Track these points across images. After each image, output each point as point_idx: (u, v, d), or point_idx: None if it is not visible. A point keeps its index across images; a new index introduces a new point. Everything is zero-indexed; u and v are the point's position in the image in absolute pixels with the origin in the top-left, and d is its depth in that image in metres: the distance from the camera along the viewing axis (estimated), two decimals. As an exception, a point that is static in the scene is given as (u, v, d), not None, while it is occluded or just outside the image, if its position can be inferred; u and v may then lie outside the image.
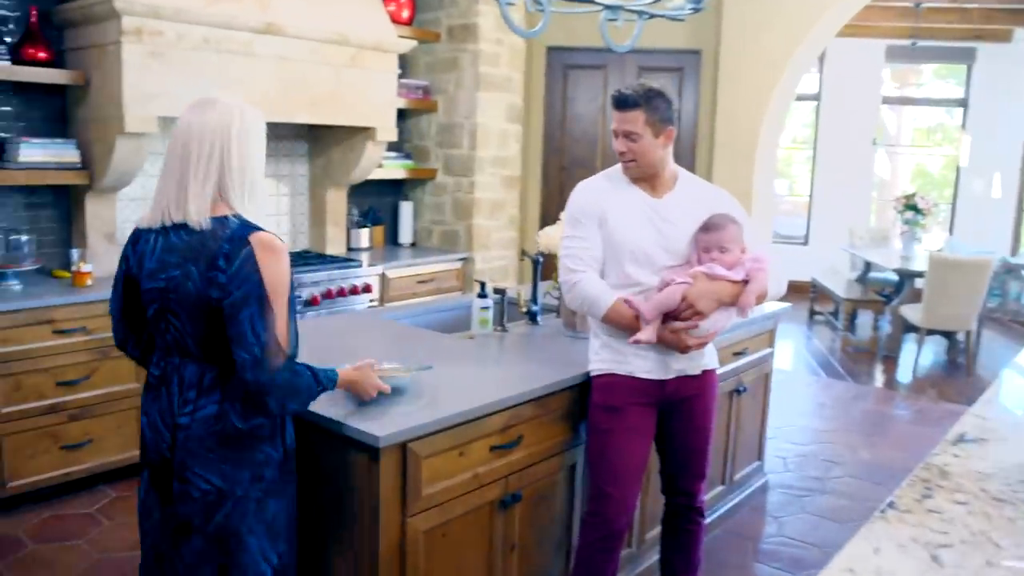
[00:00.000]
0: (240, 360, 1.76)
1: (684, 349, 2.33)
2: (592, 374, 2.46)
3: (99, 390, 3.56)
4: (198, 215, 1.79)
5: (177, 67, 3.62)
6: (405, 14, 5.06)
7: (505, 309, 3.04)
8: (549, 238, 2.99)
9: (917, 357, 6.53)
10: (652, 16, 3.11)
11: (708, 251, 2.33)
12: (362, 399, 2.09)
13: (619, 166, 2.44)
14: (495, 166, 5.39)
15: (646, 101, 2.29)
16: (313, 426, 2.08)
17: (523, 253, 3.33)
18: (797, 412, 5.29)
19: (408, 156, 5.37)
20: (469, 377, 2.42)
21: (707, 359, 2.50)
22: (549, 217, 6.43)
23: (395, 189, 5.50)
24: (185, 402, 1.85)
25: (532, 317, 3.15)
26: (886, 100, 9.95)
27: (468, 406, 2.14)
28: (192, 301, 1.79)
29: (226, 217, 1.81)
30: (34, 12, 3.60)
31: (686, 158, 6.31)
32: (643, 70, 6.41)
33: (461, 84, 5.23)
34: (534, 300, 3.17)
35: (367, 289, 4.52)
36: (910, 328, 6.91)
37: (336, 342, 2.67)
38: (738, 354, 3.43)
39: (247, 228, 1.79)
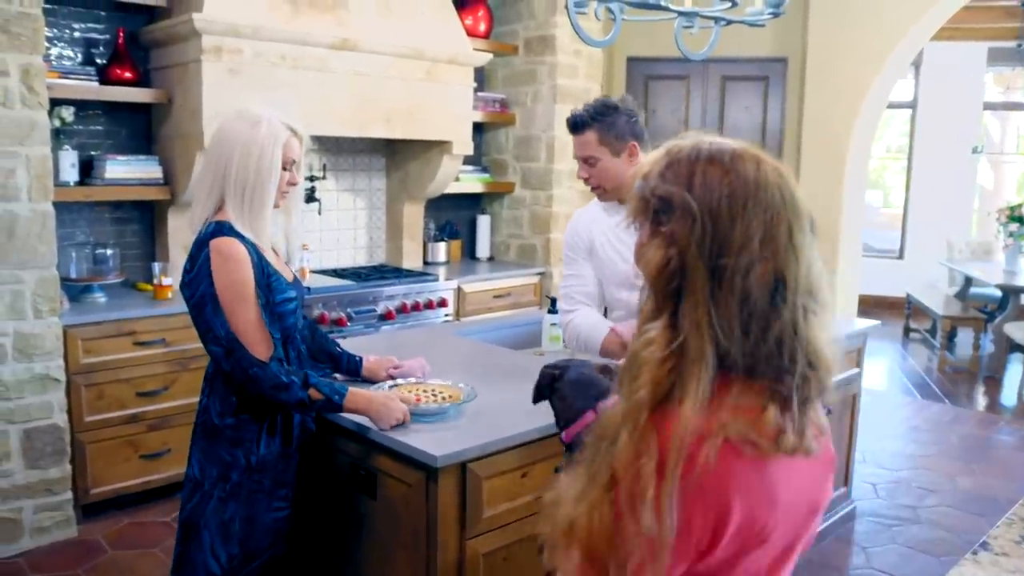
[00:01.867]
0: (213, 353, 1.94)
1: None
2: None
3: (177, 401, 3.63)
4: (197, 220, 1.97)
5: (255, 84, 3.68)
6: (482, 27, 5.05)
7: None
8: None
9: (1023, 379, 6.13)
10: (729, 23, 2.99)
11: None
12: (378, 426, 1.99)
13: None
14: (573, 179, 5.31)
15: (596, 119, 2.16)
16: (366, 441, 2.03)
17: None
18: (889, 435, 5.02)
19: (485, 170, 5.35)
20: (524, 396, 2.33)
21: None
22: (628, 230, 6.32)
23: (472, 203, 5.49)
24: (203, 391, 2.05)
25: (604, 333, 3.06)
26: (988, 106, 9.46)
27: (532, 425, 2.06)
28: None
29: (214, 222, 1.94)
30: (121, 33, 3.72)
31: (771, 169, 6.11)
32: (727, 79, 6.27)
33: (538, 96, 5.18)
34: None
35: (443, 304, 4.50)
36: (1015, 347, 6.51)
37: (400, 355, 2.63)
38: (823, 374, 3.25)
39: (215, 233, 1.91)
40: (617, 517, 0.93)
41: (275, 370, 1.92)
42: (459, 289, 4.63)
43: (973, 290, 7.70)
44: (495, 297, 4.87)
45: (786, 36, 5.88)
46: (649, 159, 1.07)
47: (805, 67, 5.79)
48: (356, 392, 2.01)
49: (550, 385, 1.50)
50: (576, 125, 2.21)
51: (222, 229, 1.93)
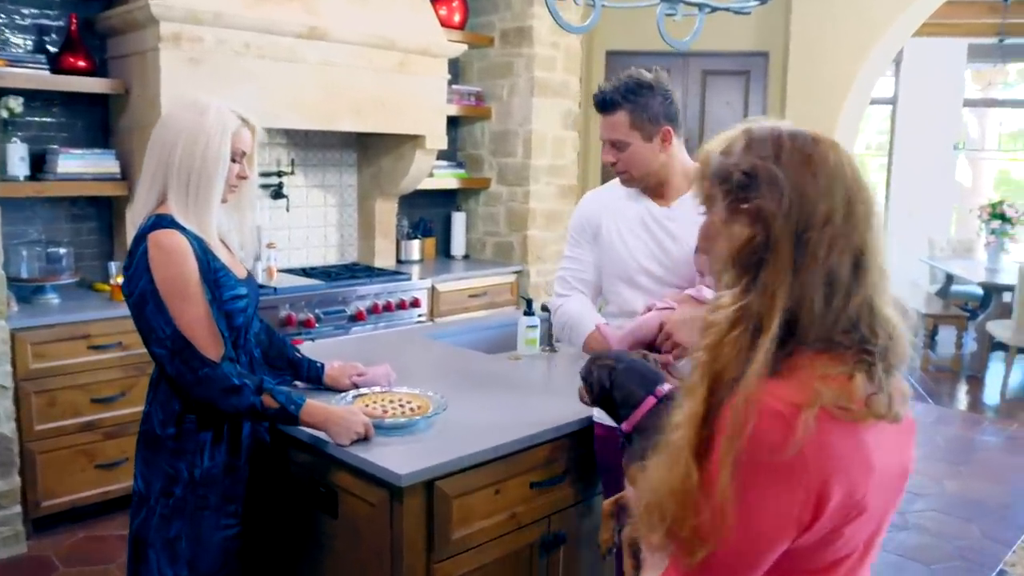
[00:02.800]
0: (157, 356, 1.78)
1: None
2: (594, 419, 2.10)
3: (136, 407, 3.40)
4: (138, 214, 1.83)
5: (217, 74, 3.50)
6: (457, 18, 4.89)
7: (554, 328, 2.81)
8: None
9: (1006, 378, 6.05)
10: (714, 10, 2.85)
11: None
12: (336, 441, 1.82)
13: None
14: (551, 175, 5.17)
15: (628, 98, 1.91)
16: (325, 455, 1.88)
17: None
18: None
19: (460, 165, 5.19)
20: (510, 404, 2.19)
21: None
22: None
23: (447, 199, 5.33)
24: (147, 397, 1.90)
25: (584, 336, 2.91)
26: (968, 103, 9.42)
27: (505, 439, 1.91)
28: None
29: (155, 215, 1.80)
30: (74, 20, 3.53)
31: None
32: (707, 74, 6.15)
33: (515, 90, 5.03)
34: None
35: (416, 304, 4.34)
36: (998, 346, 6.45)
37: (367, 361, 2.47)
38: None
39: (154, 226, 1.77)
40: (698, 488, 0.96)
41: (227, 371, 1.77)
42: (433, 288, 4.47)
43: (955, 288, 7.64)
44: (471, 297, 4.72)
45: (767, 30, 5.77)
46: (721, 139, 1.08)
47: (788, 61, 5.68)
48: (314, 405, 1.85)
49: (609, 377, 1.52)
50: (605, 104, 1.97)
51: (162, 222, 1.78)
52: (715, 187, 1.05)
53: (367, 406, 1.96)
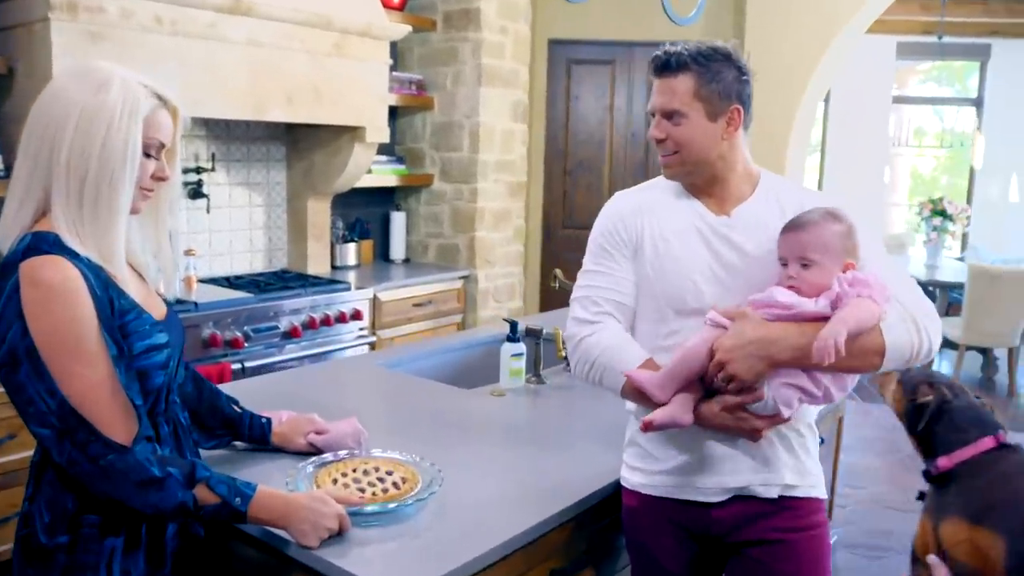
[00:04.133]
0: (38, 436, 1.28)
1: (754, 435, 1.49)
2: (621, 483, 1.70)
3: (28, 451, 2.87)
4: (9, 231, 1.32)
5: (124, 52, 2.94)
6: (396, -2, 4.41)
7: (541, 354, 2.39)
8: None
9: (956, 375, 5.94)
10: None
11: (787, 265, 1.50)
12: (301, 543, 1.36)
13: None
14: (499, 171, 4.75)
15: (699, 61, 1.53)
16: (282, 556, 1.41)
17: (555, 278, 2.69)
18: (843, 446, 4.68)
19: (400, 160, 4.71)
20: (514, 463, 1.76)
21: (795, 474, 1.58)
22: (551, 228, 5.81)
23: (385, 198, 4.84)
24: (25, 488, 1.39)
25: (571, 362, 2.51)
26: (898, 99, 9.42)
27: (522, 522, 1.47)
28: None
29: (31, 234, 1.29)
30: (-56, -16, 2.92)
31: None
32: (654, 65, 5.82)
33: (460, 78, 4.58)
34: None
35: (356, 316, 3.86)
36: (942, 344, 6.36)
37: (310, 402, 2.01)
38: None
39: (30, 251, 1.26)
40: None
41: (141, 457, 1.27)
42: (375, 298, 3.99)
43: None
44: (415, 306, 4.26)
45: (718, 22, 5.47)
46: None
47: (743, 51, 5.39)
48: (268, 494, 1.37)
49: (940, 408, 1.41)
50: (668, 64, 1.55)
51: (41, 244, 1.27)
52: None
53: (335, 482, 1.50)
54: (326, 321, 3.69)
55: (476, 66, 4.51)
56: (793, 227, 1.50)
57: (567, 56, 5.81)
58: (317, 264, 4.23)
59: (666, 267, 1.59)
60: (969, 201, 9.16)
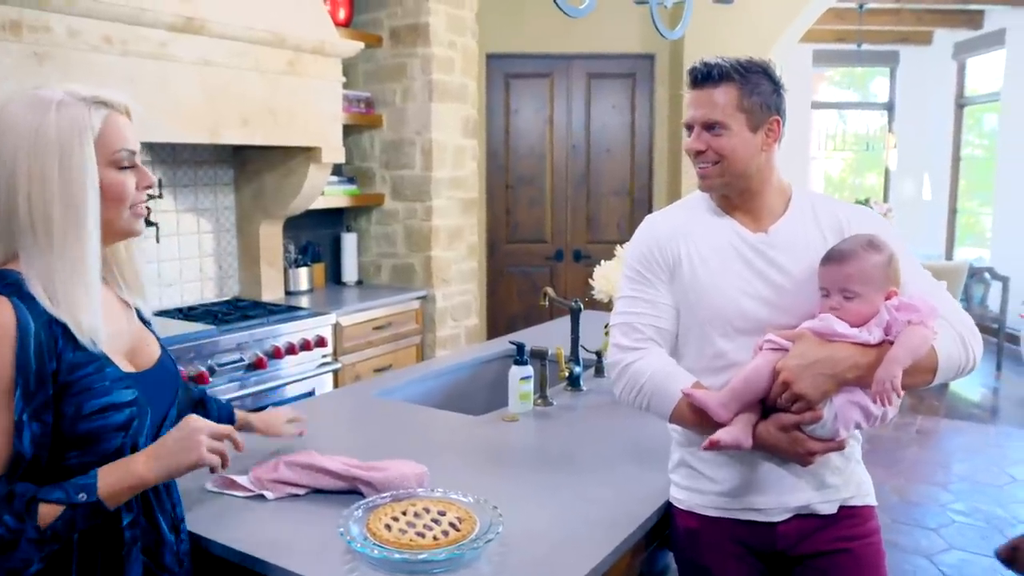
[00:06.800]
0: None
1: (806, 459, 1.47)
2: (672, 504, 1.67)
3: None
4: None
5: (71, 73, 2.75)
6: (342, 14, 4.30)
7: (547, 375, 2.32)
8: (606, 280, 2.30)
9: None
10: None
11: (828, 295, 1.49)
12: (191, 462, 1.23)
13: (699, 193, 1.66)
14: (452, 188, 4.66)
15: (741, 75, 1.53)
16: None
17: (545, 295, 2.62)
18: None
19: (351, 180, 4.57)
20: (557, 492, 1.68)
21: (852, 486, 1.59)
22: (495, 244, 5.77)
23: (334, 219, 4.70)
24: None
25: (574, 382, 2.44)
26: (815, 105, 9.74)
27: (591, 556, 1.39)
28: None
29: None
30: None
31: (642, 178, 5.76)
32: (592, 77, 5.86)
33: (410, 94, 4.48)
34: (576, 360, 2.46)
35: (321, 343, 3.71)
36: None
37: (335, 443, 1.89)
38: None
39: None
40: None
41: None
42: (337, 324, 3.85)
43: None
44: (375, 329, 4.13)
45: (654, 32, 5.54)
46: None
47: (682, 63, 5.46)
48: (109, 469, 1.20)
49: None
50: (709, 75, 1.53)
51: None
52: None
53: (389, 528, 1.40)
54: (291, 350, 3.53)
55: (426, 82, 4.42)
56: (834, 259, 1.49)
57: (504, 70, 5.79)
58: (271, 290, 4.06)
59: (707, 289, 1.57)
60: (886, 200, 9.54)
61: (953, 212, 8.99)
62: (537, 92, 5.87)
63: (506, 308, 5.76)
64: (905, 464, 4.48)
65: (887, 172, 9.61)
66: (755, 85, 1.54)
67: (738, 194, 1.60)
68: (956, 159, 8.89)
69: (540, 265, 5.80)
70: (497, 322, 5.70)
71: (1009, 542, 0.90)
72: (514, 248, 5.84)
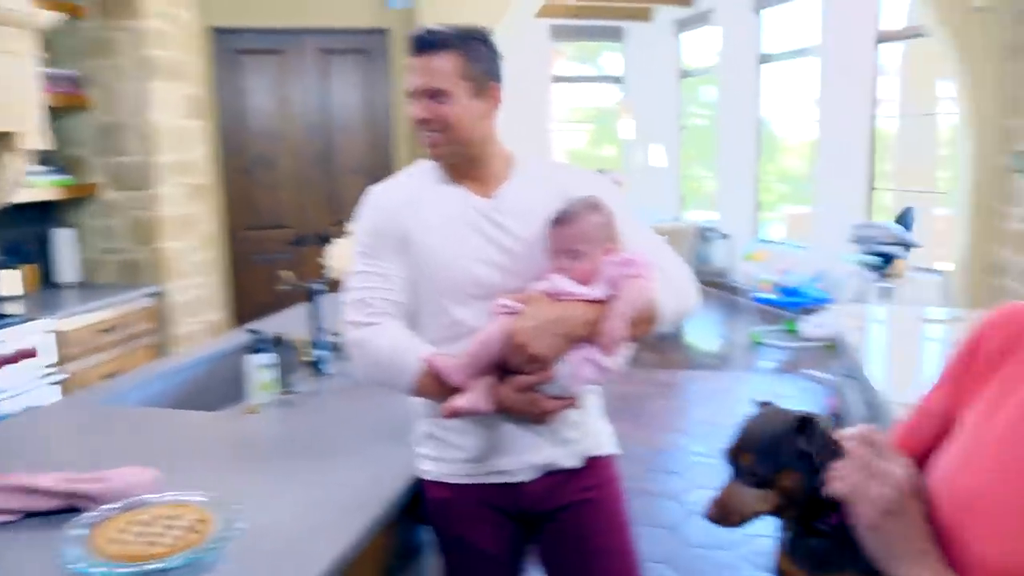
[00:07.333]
0: None
1: (542, 418, 1.52)
2: (421, 477, 1.66)
3: None
4: None
5: None
6: (32, -18, 3.81)
7: (287, 362, 2.21)
8: (341, 259, 2.22)
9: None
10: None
11: (556, 257, 1.53)
12: None
13: (425, 161, 1.66)
14: (178, 173, 4.34)
15: (463, 42, 1.54)
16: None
17: (281, 279, 2.50)
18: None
19: (61, 170, 4.11)
20: (300, 485, 1.59)
21: (591, 438, 1.65)
22: (235, 231, 5.48)
23: (44, 214, 4.20)
24: None
25: (317, 367, 2.35)
26: (556, 79, 10.14)
27: (329, 553, 1.31)
28: None
29: None
30: None
31: (383, 155, 5.68)
32: (325, 52, 5.68)
33: (123, 73, 4.09)
34: (318, 344, 2.37)
35: (30, 354, 3.30)
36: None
37: (49, 461, 1.68)
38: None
39: None
40: None
41: None
42: (58, 330, 3.45)
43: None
44: (102, 332, 3.76)
45: (384, 6, 5.50)
46: None
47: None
48: None
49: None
50: (430, 43, 1.51)
51: None
52: None
53: (114, 541, 1.25)
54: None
55: (140, 59, 4.06)
56: (559, 221, 1.53)
57: (233, 46, 5.47)
58: (-30, 299, 3.57)
59: (439, 257, 1.56)
60: (622, 169, 10.19)
61: (681, 178, 9.79)
62: (270, 69, 5.60)
63: (253, 299, 5.47)
64: (651, 416, 4.81)
65: (622, 142, 10.24)
66: (476, 52, 1.55)
67: (467, 161, 1.60)
68: (681, 128, 9.67)
69: (285, 252, 5.56)
70: (244, 314, 5.40)
71: (713, 503, 0.91)
72: (256, 235, 5.56)
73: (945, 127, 6.44)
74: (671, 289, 1.58)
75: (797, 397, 5.01)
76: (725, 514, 0.89)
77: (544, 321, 1.44)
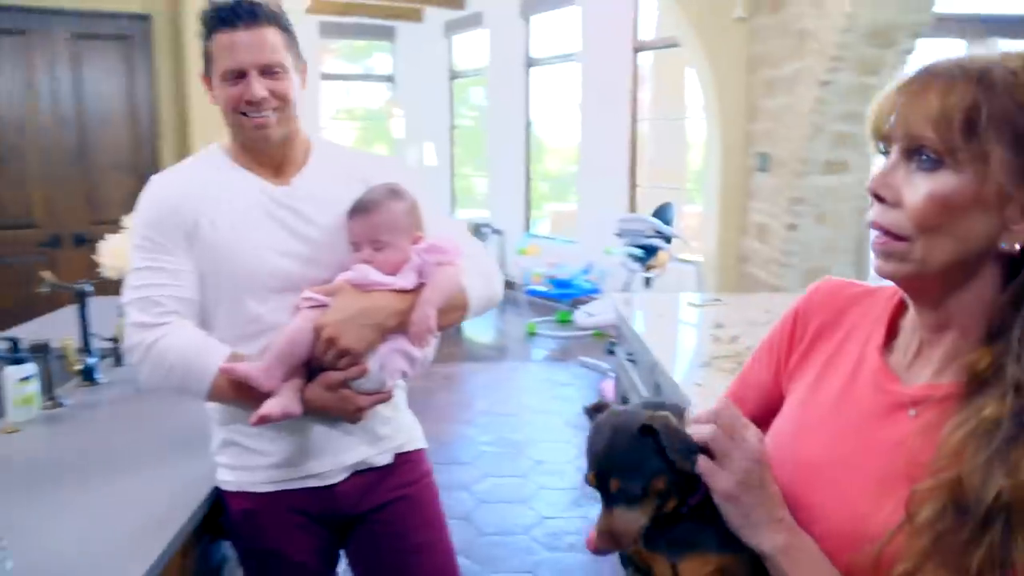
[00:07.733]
0: None
1: (355, 415, 1.45)
2: (222, 488, 1.56)
3: None
4: None
5: None
6: None
7: (52, 372, 2.01)
8: (116, 256, 2.04)
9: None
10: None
11: (359, 248, 1.47)
12: None
13: (213, 146, 1.56)
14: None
15: (281, 17, 1.46)
16: None
17: (42, 281, 2.26)
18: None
19: None
20: (82, 512, 1.45)
21: (403, 433, 1.62)
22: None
23: None
24: None
25: (89, 375, 2.16)
26: (324, 76, 9.94)
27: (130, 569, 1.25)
28: None
29: None
30: None
31: (148, 149, 5.29)
32: (79, 37, 5.21)
33: None
34: (88, 350, 2.17)
35: None
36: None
37: None
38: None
39: None
40: None
41: None
42: None
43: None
44: None
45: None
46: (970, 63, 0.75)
47: (181, 26, 5.13)
48: None
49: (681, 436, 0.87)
50: (256, 15, 1.40)
51: None
52: (974, 131, 0.73)
53: None
54: None
55: None
56: (360, 210, 1.47)
57: (-28, 24, 4.87)
58: None
59: (233, 249, 1.46)
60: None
61: (452, 177, 9.94)
62: (12, 53, 5.05)
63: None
64: (436, 408, 4.85)
65: (395, 141, 10.21)
66: (289, 26, 1.48)
67: (277, 146, 1.50)
68: (452, 128, 9.82)
69: (34, 254, 5.03)
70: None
71: (599, 536, 0.86)
72: (0, 235, 5.00)
73: (692, 130, 7.04)
74: (478, 275, 1.56)
75: (573, 384, 5.27)
76: (616, 541, 0.86)
77: (353, 313, 1.39)
